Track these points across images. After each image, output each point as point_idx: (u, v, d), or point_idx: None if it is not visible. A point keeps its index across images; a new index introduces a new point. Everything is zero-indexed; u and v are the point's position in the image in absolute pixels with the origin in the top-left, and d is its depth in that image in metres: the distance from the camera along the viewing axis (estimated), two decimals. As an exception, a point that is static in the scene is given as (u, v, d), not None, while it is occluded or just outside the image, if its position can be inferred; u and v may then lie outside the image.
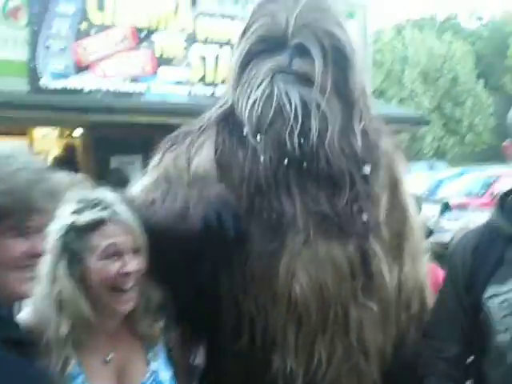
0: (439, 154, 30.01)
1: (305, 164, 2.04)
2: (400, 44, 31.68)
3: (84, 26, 9.34)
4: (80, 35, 9.32)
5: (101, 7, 9.46)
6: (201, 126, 2.28)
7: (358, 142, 2.13)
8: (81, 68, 9.30)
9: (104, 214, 1.90)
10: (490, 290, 2.06)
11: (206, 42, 10.35)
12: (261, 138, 2.07)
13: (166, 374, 2.02)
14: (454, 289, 2.19)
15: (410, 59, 30.79)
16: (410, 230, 2.28)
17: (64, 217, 1.89)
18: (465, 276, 2.14)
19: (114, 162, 10.15)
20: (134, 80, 9.72)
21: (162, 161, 2.28)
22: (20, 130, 11.12)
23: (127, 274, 1.89)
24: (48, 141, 11.35)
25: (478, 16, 48.59)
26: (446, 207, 11.52)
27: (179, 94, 10.06)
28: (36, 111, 9.06)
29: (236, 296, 2.07)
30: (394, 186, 2.25)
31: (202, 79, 10.28)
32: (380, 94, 28.82)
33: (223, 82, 10.28)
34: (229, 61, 2.37)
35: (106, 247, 1.87)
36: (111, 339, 1.95)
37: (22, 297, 1.72)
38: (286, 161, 2.04)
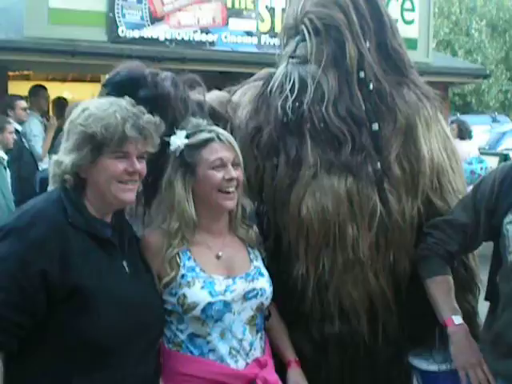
0: (505, 108, 29.41)
1: (308, 125, 2.63)
2: (469, -6, 30.89)
3: (160, -22, 9.66)
4: (155, -13, 9.65)
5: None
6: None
7: (359, 105, 2.64)
8: (156, 19, 9.69)
9: (211, 134, 2.42)
10: (510, 216, 2.42)
11: (274, -6, 10.56)
12: (275, 101, 2.75)
13: (265, 272, 2.49)
14: (476, 207, 2.56)
15: (479, 10, 30.02)
16: (427, 168, 2.68)
17: (180, 139, 2.42)
18: (490, 200, 2.51)
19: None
20: (206, 31, 10.07)
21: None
22: (93, 76, 11.62)
23: (230, 180, 2.39)
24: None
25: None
26: (505, 159, 11.51)
27: (248, 45, 10.37)
28: (112, 59, 9.42)
29: (266, 213, 2.70)
30: (410, 132, 2.67)
31: (270, 30, 10.51)
32: (446, 44, 28.36)
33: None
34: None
35: (213, 160, 2.39)
36: (220, 240, 2.46)
37: (123, 203, 2.24)
38: (285, 120, 2.67)
